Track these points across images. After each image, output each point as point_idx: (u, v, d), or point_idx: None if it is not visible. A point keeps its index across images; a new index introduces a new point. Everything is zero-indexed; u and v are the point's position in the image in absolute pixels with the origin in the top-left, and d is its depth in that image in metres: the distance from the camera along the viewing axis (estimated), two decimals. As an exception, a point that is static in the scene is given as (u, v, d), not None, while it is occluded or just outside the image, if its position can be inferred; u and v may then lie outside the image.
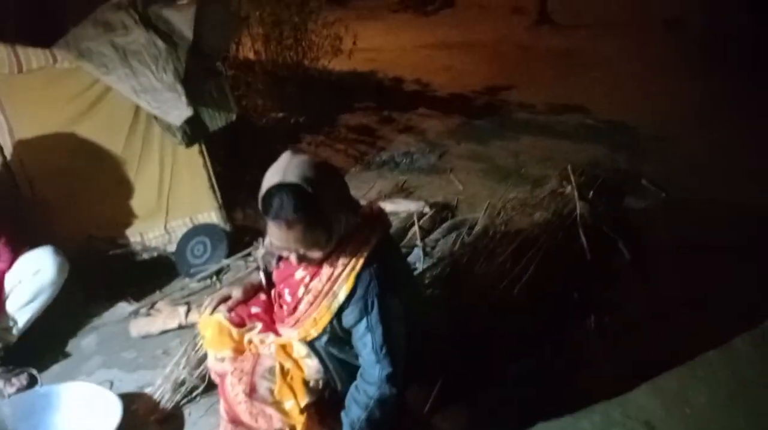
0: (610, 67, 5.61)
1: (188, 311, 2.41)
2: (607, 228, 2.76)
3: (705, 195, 3.17)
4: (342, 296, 1.51)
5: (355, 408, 1.54)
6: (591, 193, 2.93)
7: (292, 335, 1.62)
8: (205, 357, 2.13)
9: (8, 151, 2.61)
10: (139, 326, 2.42)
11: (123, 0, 2.69)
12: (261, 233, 3.10)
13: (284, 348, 1.60)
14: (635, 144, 3.90)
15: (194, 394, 2.06)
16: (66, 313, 2.42)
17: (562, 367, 2.11)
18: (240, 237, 2.99)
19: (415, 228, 2.80)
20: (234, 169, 3.40)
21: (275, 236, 1.43)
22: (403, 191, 3.42)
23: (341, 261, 1.51)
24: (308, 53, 5.42)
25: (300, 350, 1.58)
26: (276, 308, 1.73)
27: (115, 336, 2.45)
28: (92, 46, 2.56)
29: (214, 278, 2.77)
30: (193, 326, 2.38)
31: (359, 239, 1.52)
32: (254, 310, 1.75)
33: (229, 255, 2.84)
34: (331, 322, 1.54)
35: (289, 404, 1.55)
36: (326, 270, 1.52)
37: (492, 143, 4.06)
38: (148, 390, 2.12)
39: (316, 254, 1.48)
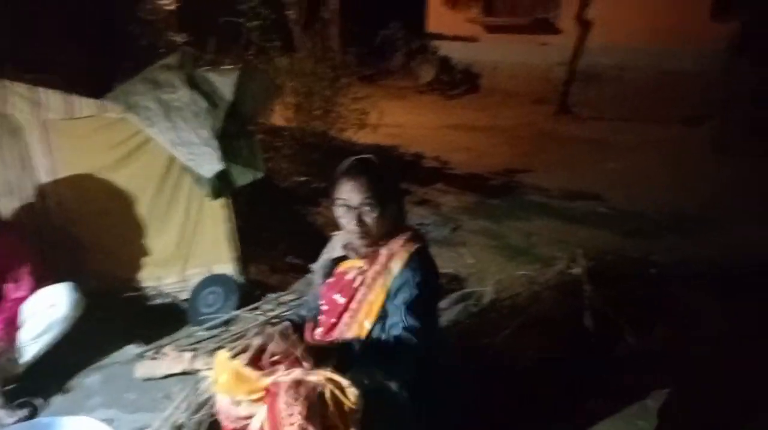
0: (627, 159, 5.78)
1: (194, 357, 2.46)
2: (613, 313, 2.78)
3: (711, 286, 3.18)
4: (396, 269, 1.73)
5: (371, 357, 1.64)
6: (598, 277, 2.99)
7: None
8: (205, 403, 2.17)
9: (49, 190, 2.77)
10: (144, 368, 2.46)
11: (173, 62, 2.93)
12: (272, 289, 3.19)
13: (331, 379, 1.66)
14: (646, 234, 3.96)
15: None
16: (75, 349, 2.48)
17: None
18: (251, 290, 3.06)
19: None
20: (253, 226, 3.52)
21: (344, 190, 1.72)
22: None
23: (398, 244, 1.77)
24: (335, 124, 5.70)
25: (342, 381, 1.63)
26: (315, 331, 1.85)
27: (120, 377, 2.49)
28: (139, 101, 2.76)
29: (222, 328, 2.82)
30: (196, 372, 2.43)
31: (412, 233, 1.81)
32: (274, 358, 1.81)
33: (239, 307, 2.90)
34: (384, 306, 1.73)
35: None
36: (385, 251, 1.77)
37: (505, 222, 4.16)
38: (145, 434, 2.14)
39: (373, 215, 1.71)
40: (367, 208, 1.72)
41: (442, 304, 2.83)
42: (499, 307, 2.81)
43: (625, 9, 8.07)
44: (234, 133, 2.91)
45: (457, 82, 9.50)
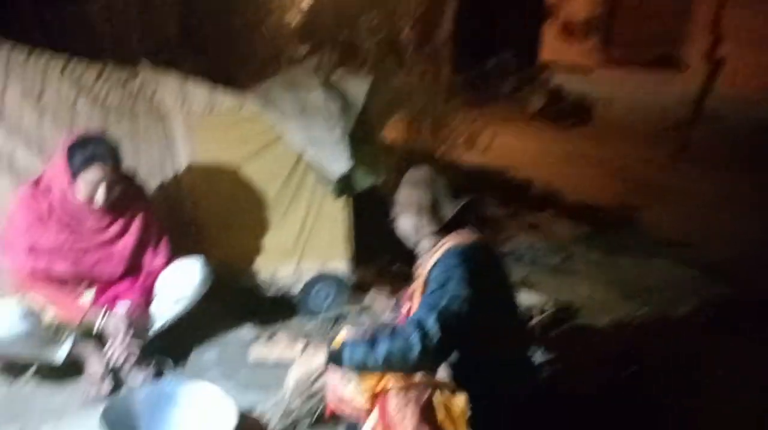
0: (745, 212, 5.31)
1: (306, 346, 2.51)
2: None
3: None
4: (427, 269, 1.78)
5: (381, 345, 1.61)
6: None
7: None
8: (317, 393, 2.20)
9: (185, 176, 2.96)
10: (258, 352, 2.55)
11: (310, 66, 3.08)
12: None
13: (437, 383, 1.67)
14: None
15: (298, 426, 2.14)
16: (194, 326, 2.61)
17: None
18: (360, 291, 3.11)
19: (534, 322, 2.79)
20: (363, 230, 3.58)
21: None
22: (524, 285, 3.39)
23: (441, 244, 1.82)
24: (445, 143, 5.72)
25: (448, 385, 1.63)
26: None
27: (234, 357, 2.59)
28: (276, 99, 2.91)
29: (330, 324, 2.88)
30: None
31: (455, 234, 1.84)
32: None
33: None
34: None
35: None
36: (432, 255, 1.83)
37: (620, 258, 3.96)
38: (255, 414, 2.21)
39: (407, 222, 1.90)
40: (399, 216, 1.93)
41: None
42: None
43: (761, 52, 7.58)
44: (360, 137, 3.00)
45: (567, 113, 9.26)
